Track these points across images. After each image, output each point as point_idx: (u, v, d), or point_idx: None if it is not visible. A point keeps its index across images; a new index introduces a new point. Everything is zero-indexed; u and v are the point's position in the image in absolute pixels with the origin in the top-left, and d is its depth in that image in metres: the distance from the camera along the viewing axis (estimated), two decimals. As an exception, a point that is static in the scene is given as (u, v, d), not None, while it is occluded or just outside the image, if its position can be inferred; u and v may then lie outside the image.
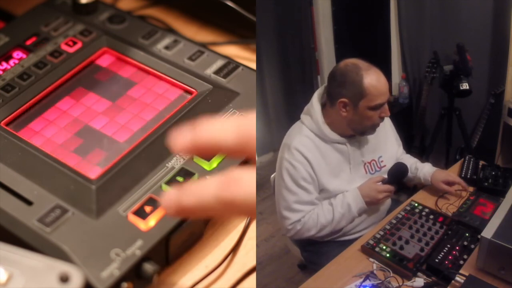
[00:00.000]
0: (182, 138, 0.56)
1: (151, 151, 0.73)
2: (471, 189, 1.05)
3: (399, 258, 0.84)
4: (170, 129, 0.75)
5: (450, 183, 1.03)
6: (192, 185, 0.57)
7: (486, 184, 1.07)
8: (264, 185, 1.43)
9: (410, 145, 1.60)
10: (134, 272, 0.64)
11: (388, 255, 0.85)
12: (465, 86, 1.42)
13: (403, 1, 1.69)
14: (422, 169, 1.05)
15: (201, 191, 0.56)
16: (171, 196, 0.58)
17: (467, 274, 0.78)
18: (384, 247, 0.87)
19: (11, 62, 0.84)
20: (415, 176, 1.05)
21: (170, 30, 0.99)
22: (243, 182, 0.53)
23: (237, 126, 0.55)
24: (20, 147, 0.73)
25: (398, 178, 0.97)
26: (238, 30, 1.03)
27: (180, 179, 0.70)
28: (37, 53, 0.85)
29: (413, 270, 0.82)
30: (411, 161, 1.06)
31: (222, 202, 0.54)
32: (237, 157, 0.55)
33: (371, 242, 0.88)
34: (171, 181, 0.70)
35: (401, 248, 0.86)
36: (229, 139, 0.55)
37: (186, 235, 0.70)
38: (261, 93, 1.90)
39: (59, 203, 0.67)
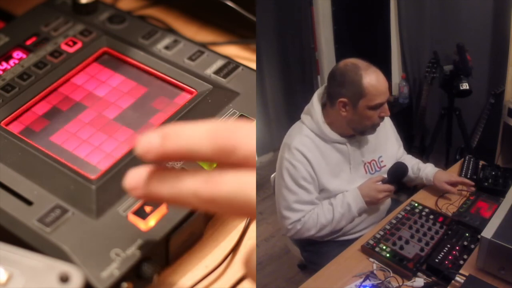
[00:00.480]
0: (148, 143, 0.52)
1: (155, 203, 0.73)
2: (472, 188, 1.05)
3: (399, 258, 0.84)
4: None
5: (453, 184, 1.03)
6: (167, 173, 0.53)
7: (486, 184, 1.07)
8: (264, 185, 1.43)
9: (410, 145, 1.60)
10: (134, 272, 0.64)
11: (388, 255, 0.85)
12: (465, 86, 1.42)
13: (403, 1, 1.69)
14: (424, 170, 1.05)
15: (179, 183, 0.53)
16: (138, 177, 0.54)
17: (467, 274, 0.78)
18: (384, 247, 0.87)
19: (11, 62, 0.84)
20: (417, 176, 1.05)
21: (170, 30, 0.99)
22: (224, 181, 0.51)
23: (212, 133, 0.52)
24: (20, 147, 0.73)
25: (398, 178, 0.97)
26: (238, 30, 1.03)
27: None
28: (37, 53, 0.85)
29: (413, 270, 0.82)
30: (413, 162, 1.07)
31: (201, 200, 0.52)
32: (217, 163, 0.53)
33: (371, 242, 0.88)
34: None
35: (401, 248, 0.86)
36: (201, 147, 0.52)
37: (186, 235, 0.70)
38: (261, 93, 1.90)
39: (59, 203, 0.67)
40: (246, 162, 0.51)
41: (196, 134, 0.52)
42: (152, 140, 0.52)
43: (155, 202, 0.58)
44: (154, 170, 0.54)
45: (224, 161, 0.52)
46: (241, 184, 0.51)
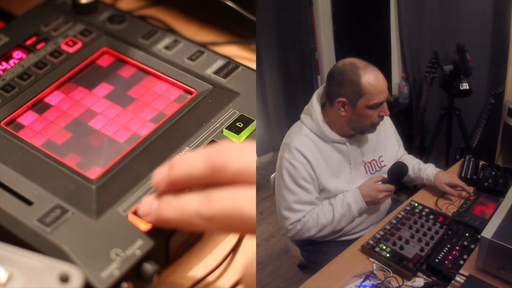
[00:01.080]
0: (160, 174, 0.61)
1: (151, 151, 0.73)
2: (471, 190, 1.05)
3: (399, 258, 0.84)
4: (170, 129, 0.75)
5: (453, 186, 1.03)
6: (174, 198, 0.60)
7: (486, 184, 1.07)
8: (264, 185, 1.43)
9: (410, 145, 1.60)
10: (134, 272, 0.64)
11: (388, 255, 0.85)
12: (465, 86, 1.42)
13: (403, 1, 1.69)
14: (425, 170, 1.05)
15: (183, 205, 0.59)
16: (150, 205, 0.62)
17: (467, 274, 0.78)
18: (384, 247, 0.87)
19: (11, 62, 0.84)
20: (417, 176, 1.05)
21: (170, 30, 0.99)
22: (220, 199, 0.56)
23: (205, 156, 0.58)
24: (20, 147, 0.73)
25: (398, 178, 0.97)
26: (238, 30, 1.03)
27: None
28: (37, 53, 0.85)
29: (413, 270, 0.82)
30: (413, 162, 1.07)
31: (202, 218, 0.57)
32: (214, 183, 0.59)
33: (371, 242, 0.88)
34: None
35: (401, 248, 0.86)
36: (198, 169, 0.58)
37: (186, 235, 0.70)
38: (261, 93, 1.90)
39: (59, 203, 0.67)
40: (238, 178, 0.56)
41: (195, 159, 0.59)
42: (163, 171, 0.61)
43: (165, 226, 0.62)
44: (163, 196, 0.61)
45: (218, 178, 0.57)
46: (236, 200, 0.56)
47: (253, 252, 0.66)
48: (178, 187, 0.60)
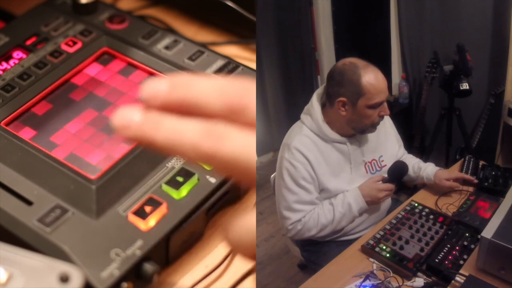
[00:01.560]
0: (155, 88, 0.48)
1: (151, 151, 0.73)
2: (471, 189, 1.05)
3: (399, 258, 0.84)
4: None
5: (453, 180, 1.03)
6: (166, 118, 0.48)
7: (486, 184, 1.07)
8: (264, 185, 1.43)
9: (410, 145, 1.60)
10: (134, 272, 0.64)
11: (388, 255, 0.85)
12: (465, 86, 1.42)
13: (403, 1, 1.69)
14: (425, 169, 1.05)
15: (178, 131, 0.47)
16: (131, 115, 0.48)
17: (467, 274, 0.78)
18: (384, 247, 0.87)
19: (11, 62, 0.84)
20: (418, 176, 1.05)
21: (170, 30, 0.99)
22: (230, 138, 0.46)
23: (222, 90, 0.48)
24: (20, 147, 0.73)
25: (398, 176, 0.97)
26: (238, 30, 1.03)
27: (180, 179, 0.70)
28: (37, 53, 0.85)
29: (413, 270, 0.82)
30: (413, 161, 1.07)
31: (200, 154, 0.47)
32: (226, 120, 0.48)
33: (371, 242, 0.88)
34: (171, 181, 0.70)
35: (401, 248, 0.86)
36: (211, 103, 0.47)
37: (186, 235, 0.70)
38: (261, 93, 1.90)
39: (59, 203, 0.67)
40: (253, 124, 0.47)
41: (207, 89, 0.48)
42: (160, 86, 0.48)
43: (146, 147, 0.50)
44: (150, 113, 0.48)
45: (233, 120, 0.47)
46: (247, 145, 0.46)
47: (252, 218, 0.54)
48: (173, 111, 0.48)
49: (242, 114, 0.47)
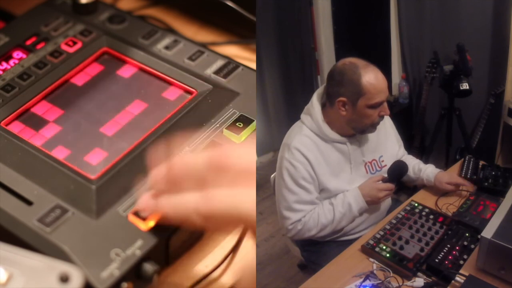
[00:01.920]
0: (158, 174, 0.61)
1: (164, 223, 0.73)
2: (471, 189, 1.05)
3: (399, 258, 0.84)
4: (170, 129, 0.75)
5: (453, 185, 1.03)
6: (172, 195, 0.60)
7: (486, 184, 1.07)
8: (264, 185, 1.43)
9: (410, 145, 1.60)
10: (134, 272, 0.64)
11: (388, 255, 0.85)
12: (465, 86, 1.42)
13: (403, 1, 1.69)
14: (425, 171, 1.05)
15: (182, 202, 0.59)
16: (148, 199, 0.63)
17: (467, 274, 0.78)
18: (384, 247, 0.87)
19: (11, 62, 0.84)
20: (418, 177, 1.05)
21: (170, 30, 0.99)
22: (219, 197, 0.57)
23: (207, 157, 0.58)
24: (20, 147, 0.73)
25: (398, 176, 0.97)
26: (238, 30, 1.03)
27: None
28: (37, 53, 0.85)
29: (413, 270, 0.82)
30: (413, 162, 1.07)
31: (201, 216, 0.57)
32: (212, 181, 0.59)
33: (371, 242, 0.88)
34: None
35: (401, 248, 0.86)
36: (199, 170, 0.58)
37: (186, 235, 0.70)
38: (261, 93, 1.90)
39: (59, 203, 0.67)
40: (237, 180, 0.57)
41: (196, 160, 0.59)
42: (161, 170, 0.61)
43: (163, 222, 0.63)
44: (161, 191, 0.62)
45: (218, 180, 0.58)
46: (235, 198, 0.56)
47: (251, 255, 0.66)
48: (176, 188, 0.60)
49: (224, 174, 0.57)
